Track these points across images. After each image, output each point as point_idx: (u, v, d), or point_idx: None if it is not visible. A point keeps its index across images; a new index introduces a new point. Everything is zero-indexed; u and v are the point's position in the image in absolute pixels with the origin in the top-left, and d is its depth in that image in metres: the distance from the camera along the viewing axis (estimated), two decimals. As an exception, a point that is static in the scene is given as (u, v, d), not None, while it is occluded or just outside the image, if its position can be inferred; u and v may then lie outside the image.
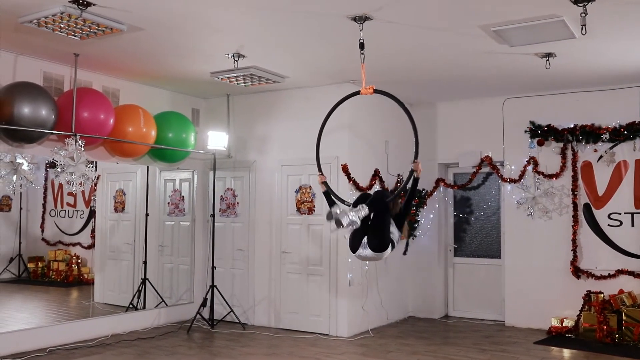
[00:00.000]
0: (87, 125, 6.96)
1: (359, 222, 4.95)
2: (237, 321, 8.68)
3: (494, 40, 6.12)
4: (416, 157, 5.11)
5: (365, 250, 5.14)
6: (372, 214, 5.07)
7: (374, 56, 6.59)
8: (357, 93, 5.45)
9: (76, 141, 6.71)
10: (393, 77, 7.79)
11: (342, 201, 5.50)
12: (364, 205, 5.00)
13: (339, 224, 4.95)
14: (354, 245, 5.19)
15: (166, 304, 8.90)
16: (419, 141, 5.18)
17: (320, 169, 5.74)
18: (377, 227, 5.10)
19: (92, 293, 8.52)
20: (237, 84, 7.73)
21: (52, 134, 6.83)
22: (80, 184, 6.70)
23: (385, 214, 5.12)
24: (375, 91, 5.28)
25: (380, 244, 5.09)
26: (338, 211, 5.02)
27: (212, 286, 8.58)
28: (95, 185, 8.67)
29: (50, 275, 8.69)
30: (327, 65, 7.35)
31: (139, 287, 8.72)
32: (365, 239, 5.12)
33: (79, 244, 8.75)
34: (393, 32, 5.93)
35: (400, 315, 9.29)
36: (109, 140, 7.48)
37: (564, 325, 8.12)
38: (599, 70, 7.44)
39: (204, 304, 8.54)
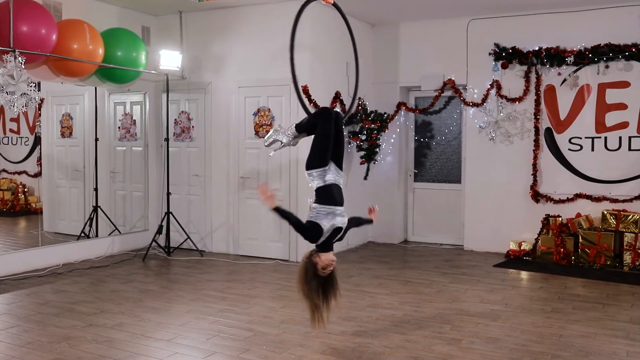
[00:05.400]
0: (27, 40, 6.42)
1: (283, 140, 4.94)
2: (195, 248, 8.46)
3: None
4: (356, 88, 5.01)
5: None
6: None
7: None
8: None
9: (15, 57, 6.17)
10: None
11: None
12: (292, 127, 4.93)
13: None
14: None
15: (120, 232, 8.60)
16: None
17: (298, 92, 5.17)
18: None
19: (41, 222, 8.17)
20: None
21: (-12, 49, 6.28)
22: (24, 105, 6.21)
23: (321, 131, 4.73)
24: (334, 5, 5.00)
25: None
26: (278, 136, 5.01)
27: (168, 213, 8.30)
28: (40, 109, 8.17)
29: (-4, 205, 8.31)
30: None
31: (91, 215, 8.39)
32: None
33: (24, 172, 8.36)
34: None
35: (360, 241, 9.23)
36: (52, 58, 6.95)
37: (522, 248, 8.20)
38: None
39: (159, 231, 8.29)
